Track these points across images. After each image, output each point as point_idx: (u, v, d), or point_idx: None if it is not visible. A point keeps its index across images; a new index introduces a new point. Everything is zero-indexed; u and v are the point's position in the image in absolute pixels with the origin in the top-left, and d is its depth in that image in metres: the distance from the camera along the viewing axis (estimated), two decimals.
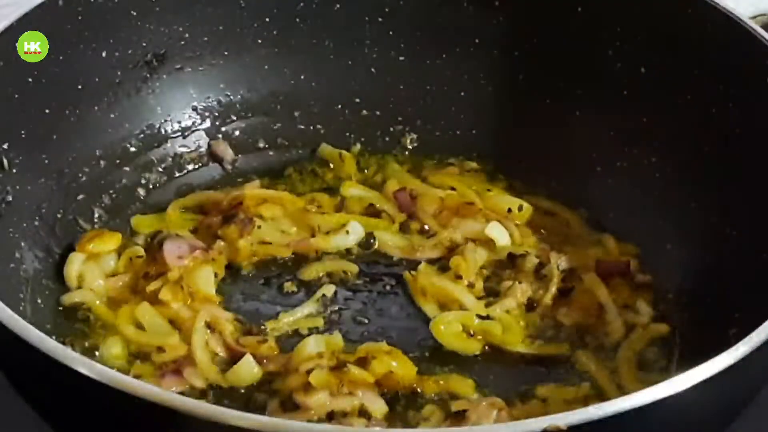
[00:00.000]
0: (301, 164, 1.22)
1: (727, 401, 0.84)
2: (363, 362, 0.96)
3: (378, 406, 0.94)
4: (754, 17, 1.27)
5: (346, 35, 1.23)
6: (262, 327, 1.04)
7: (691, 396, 0.75)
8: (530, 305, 1.06)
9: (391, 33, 1.23)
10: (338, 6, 1.22)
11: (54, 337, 0.80)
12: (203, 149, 1.22)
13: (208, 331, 1.01)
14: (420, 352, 1.02)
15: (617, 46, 1.15)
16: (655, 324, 1.04)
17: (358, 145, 1.24)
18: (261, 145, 1.23)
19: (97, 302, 1.04)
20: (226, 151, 1.21)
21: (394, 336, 1.03)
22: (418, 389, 0.97)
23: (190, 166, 1.21)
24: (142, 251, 1.08)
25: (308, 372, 0.95)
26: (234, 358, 0.99)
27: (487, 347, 1.02)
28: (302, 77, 1.23)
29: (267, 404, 0.95)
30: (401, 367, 0.97)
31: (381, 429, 0.92)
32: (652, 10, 1.12)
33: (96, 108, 1.14)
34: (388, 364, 0.97)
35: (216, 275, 1.07)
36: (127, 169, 1.17)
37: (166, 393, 0.74)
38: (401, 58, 1.24)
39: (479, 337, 1.03)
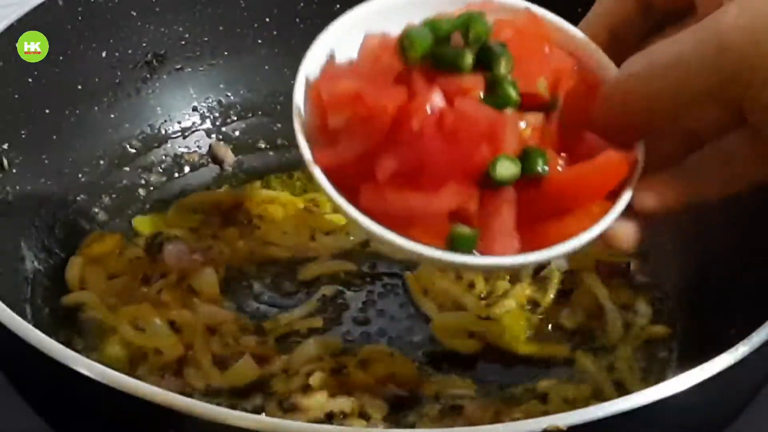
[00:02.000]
0: (301, 164, 1.22)
1: (727, 401, 0.84)
2: (364, 365, 0.97)
3: (377, 407, 0.94)
4: None
5: None
6: (262, 327, 1.03)
7: (691, 396, 0.75)
8: (530, 306, 1.06)
9: None
10: (338, 6, 1.21)
11: (54, 337, 0.80)
12: (203, 150, 1.22)
13: (209, 332, 1.01)
14: (420, 352, 1.01)
15: None
16: (655, 324, 1.04)
17: None
18: (261, 145, 1.23)
19: (98, 304, 1.04)
20: (227, 153, 1.22)
21: (394, 336, 1.03)
22: (419, 390, 0.97)
23: (190, 167, 1.21)
24: (142, 253, 1.08)
25: (308, 374, 0.95)
26: (234, 358, 0.99)
27: (487, 347, 1.02)
28: None
29: (265, 405, 0.95)
30: (402, 370, 0.97)
31: (380, 430, 0.92)
32: None
33: (96, 108, 1.14)
34: (390, 366, 0.97)
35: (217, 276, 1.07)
36: (127, 169, 1.17)
37: (167, 393, 0.74)
38: None
39: (480, 337, 1.03)
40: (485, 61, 0.78)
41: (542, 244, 0.76)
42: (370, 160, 0.76)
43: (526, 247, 0.76)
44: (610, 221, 0.77)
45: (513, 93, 0.77)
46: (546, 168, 0.76)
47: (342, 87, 0.78)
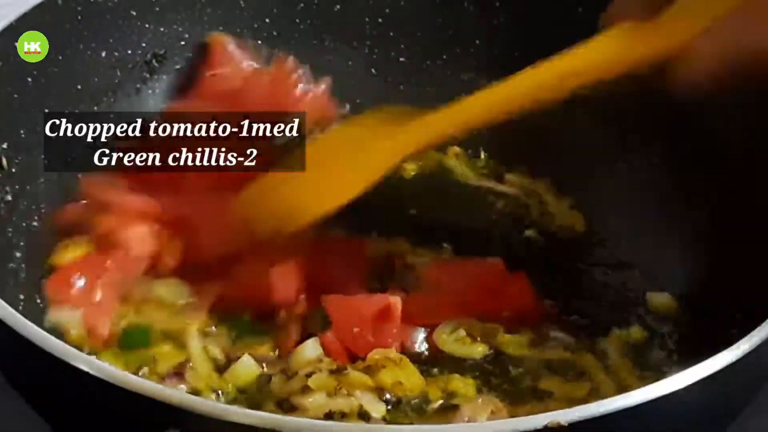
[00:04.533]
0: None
1: (728, 399, 0.84)
2: (370, 370, 0.96)
3: (377, 407, 0.94)
4: None
5: (346, 35, 1.23)
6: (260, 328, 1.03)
7: (692, 394, 0.75)
8: None
9: (391, 33, 1.23)
10: (338, 6, 1.22)
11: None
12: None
13: (203, 336, 1.01)
14: (423, 354, 1.01)
15: None
16: (657, 323, 1.04)
17: None
18: None
19: (79, 325, 1.00)
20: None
21: None
22: (423, 394, 0.97)
23: None
24: None
25: (307, 376, 0.95)
26: (232, 359, 0.99)
27: (490, 350, 1.02)
28: None
29: (264, 405, 0.95)
30: (408, 378, 0.96)
31: (380, 426, 0.92)
32: None
33: (96, 108, 1.14)
34: (396, 375, 0.96)
35: None
36: None
37: (168, 390, 0.74)
38: (401, 59, 1.24)
39: (482, 340, 1.02)
40: None
41: None
42: None
43: None
44: None
45: None
46: None
47: None
